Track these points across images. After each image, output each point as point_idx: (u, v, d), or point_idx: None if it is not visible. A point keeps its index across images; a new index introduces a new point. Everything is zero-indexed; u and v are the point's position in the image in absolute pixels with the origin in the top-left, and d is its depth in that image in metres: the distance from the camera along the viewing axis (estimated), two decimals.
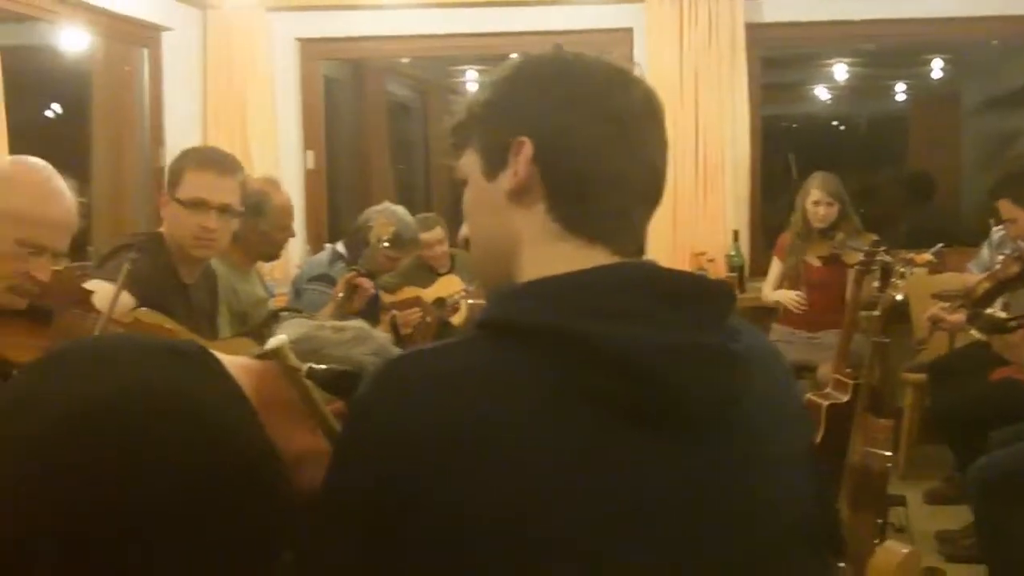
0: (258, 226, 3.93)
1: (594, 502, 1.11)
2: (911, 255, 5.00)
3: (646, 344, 1.14)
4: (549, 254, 1.24)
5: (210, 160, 3.21)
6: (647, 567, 1.13)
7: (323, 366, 2.12)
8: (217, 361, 1.52)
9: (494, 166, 1.28)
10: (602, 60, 1.31)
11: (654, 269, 1.24)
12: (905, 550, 1.33)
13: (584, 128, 1.24)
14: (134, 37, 6.08)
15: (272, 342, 2.28)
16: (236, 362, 1.63)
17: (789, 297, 5.72)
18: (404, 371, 1.19)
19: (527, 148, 1.24)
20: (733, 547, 1.18)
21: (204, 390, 1.41)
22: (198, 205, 3.08)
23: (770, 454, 1.24)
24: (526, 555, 1.09)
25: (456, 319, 5.37)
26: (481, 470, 1.10)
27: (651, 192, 1.29)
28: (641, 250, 1.30)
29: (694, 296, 1.21)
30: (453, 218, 9.62)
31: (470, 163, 1.32)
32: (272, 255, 4.31)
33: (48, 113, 7.07)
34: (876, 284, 4.42)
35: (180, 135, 6.10)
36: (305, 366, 2.15)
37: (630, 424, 1.13)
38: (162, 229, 3.18)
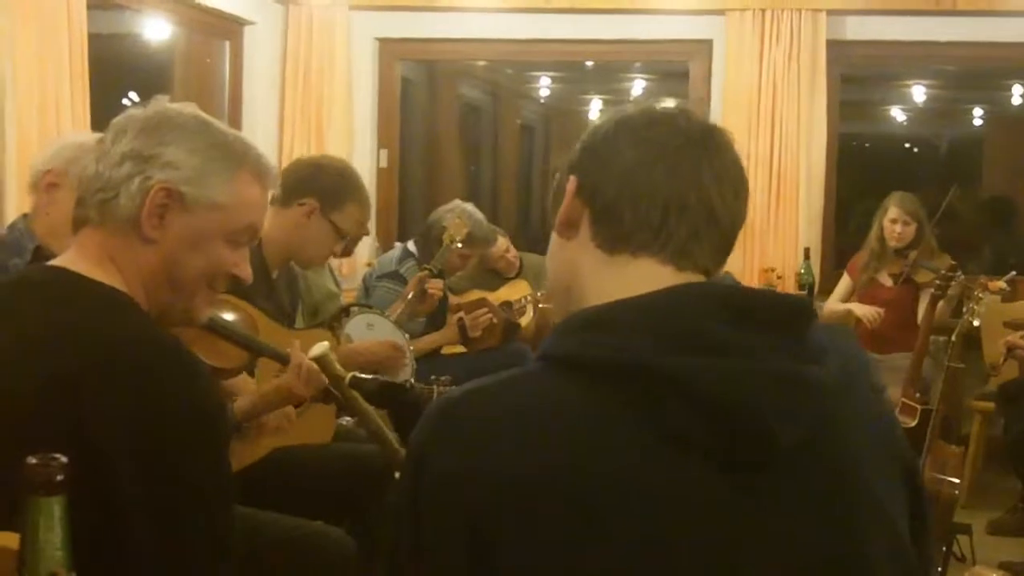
0: None
1: (684, 552, 1.08)
2: (985, 281, 4.94)
3: (729, 380, 1.10)
4: (602, 278, 1.25)
5: (368, 201, 3.38)
6: None
7: (367, 376, 2.13)
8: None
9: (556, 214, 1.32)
10: (661, 105, 1.33)
11: (724, 289, 1.21)
12: (995, 574, 1.31)
13: (618, 154, 1.26)
14: (217, 29, 6.15)
15: (316, 349, 2.31)
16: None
17: (868, 311, 5.51)
18: (466, 414, 1.14)
19: (572, 183, 1.28)
20: None
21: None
22: (345, 236, 3.20)
23: (864, 483, 1.20)
24: None
25: (523, 322, 5.38)
26: (559, 522, 1.06)
27: (702, 213, 1.25)
28: (704, 271, 1.27)
29: (772, 318, 1.17)
30: (520, 220, 9.66)
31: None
32: (345, 251, 4.35)
33: (125, 101, 7.15)
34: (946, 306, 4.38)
35: (258, 128, 6.16)
36: (349, 375, 2.16)
37: (716, 465, 1.10)
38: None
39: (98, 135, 2.48)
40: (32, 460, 1.02)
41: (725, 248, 1.28)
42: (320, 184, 3.23)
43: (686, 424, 1.09)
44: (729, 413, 1.09)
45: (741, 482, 1.11)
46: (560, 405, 1.11)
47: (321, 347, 2.27)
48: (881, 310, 5.47)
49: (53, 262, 1.68)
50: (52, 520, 1.02)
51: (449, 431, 1.13)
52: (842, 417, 1.19)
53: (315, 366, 2.60)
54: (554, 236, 1.33)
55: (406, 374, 3.66)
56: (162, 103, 1.75)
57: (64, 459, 1.03)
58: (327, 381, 2.67)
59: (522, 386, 1.16)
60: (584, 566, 1.06)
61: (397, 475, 2.18)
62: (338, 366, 2.25)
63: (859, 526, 1.18)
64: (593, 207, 1.26)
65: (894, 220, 5.48)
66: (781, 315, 1.18)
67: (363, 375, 2.21)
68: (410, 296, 4.10)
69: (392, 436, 2.34)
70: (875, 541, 1.19)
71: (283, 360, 2.64)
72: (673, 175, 1.24)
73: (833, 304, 5.73)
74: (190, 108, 1.75)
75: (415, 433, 1.15)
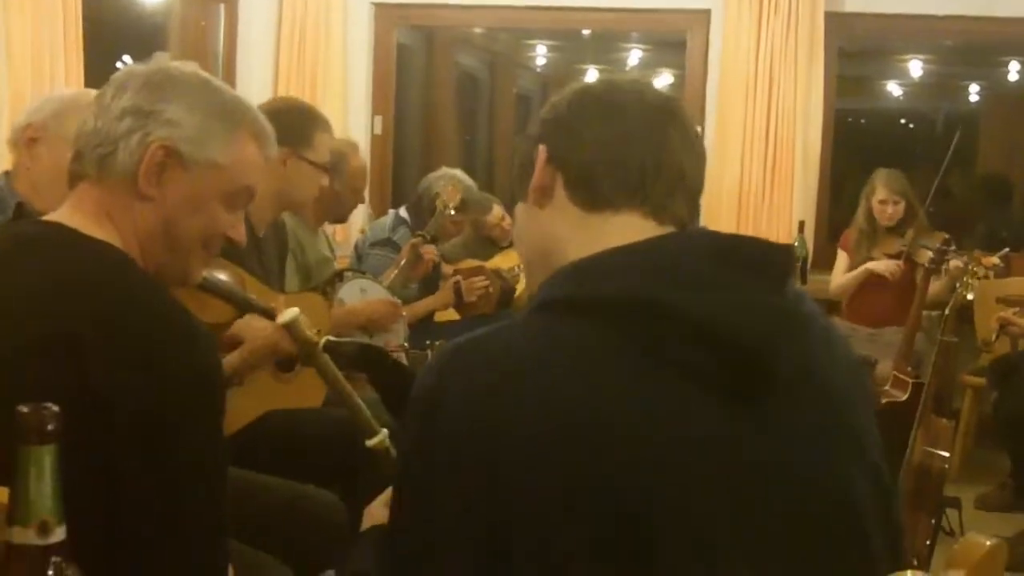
0: (332, 186, 3.93)
1: (688, 481, 1.11)
2: (979, 256, 4.94)
3: (726, 310, 1.14)
4: (584, 234, 1.29)
5: (327, 122, 3.29)
6: (738, 535, 1.12)
7: (344, 339, 2.10)
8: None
9: (527, 184, 1.35)
10: (627, 78, 1.43)
11: (711, 234, 1.29)
12: (989, 542, 1.31)
13: (587, 123, 1.32)
14: None
15: (286, 315, 2.28)
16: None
17: (888, 264, 5.41)
18: (470, 360, 1.18)
19: (542, 152, 1.33)
20: (819, 513, 1.19)
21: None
22: (325, 167, 3.17)
23: (852, 418, 1.27)
24: (622, 529, 1.09)
25: (518, 289, 5.37)
26: (573, 453, 1.09)
27: (675, 174, 1.31)
28: (682, 225, 1.32)
29: (758, 260, 1.23)
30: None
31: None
32: (340, 217, 4.34)
33: (119, 64, 7.10)
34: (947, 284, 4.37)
35: (252, 92, 6.11)
36: (322, 340, 2.13)
37: (717, 396, 1.13)
38: None
39: (81, 90, 2.46)
40: (24, 408, 1.01)
41: (695, 209, 1.35)
42: (282, 130, 3.19)
43: (686, 355, 1.13)
44: (727, 342, 1.13)
45: (741, 413, 1.14)
46: (561, 346, 1.15)
47: (291, 312, 2.24)
48: (900, 262, 5.40)
49: (48, 217, 1.66)
50: (43, 469, 1.01)
51: (459, 378, 1.15)
52: (828, 353, 1.26)
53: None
54: (523, 208, 1.37)
55: (400, 332, 3.65)
56: (163, 60, 1.73)
57: (56, 408, 1.02)
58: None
59: (525, 332, 1.20)
60: (600, 490, 1.09)
61: (368, 443, 2.19)
62: (307, 332, 2.21)
63: (848, 457, 1.24)
64: (567, 173, 1.31)
65: (883, 201, 5.42)
66: (766, 258, 1.24)
67: (339, 339, 2.17)
68: (403, 262, 4.09)
69: (364, 405, 2.32)
70: (862, 476, 1.25)
71: (270, 315, 2.62)
72: (645, 140, 1.30)
73: (841, 277, 5.66)
74: (191, 66, 1.74)
75: (424, 379, 1.18)
